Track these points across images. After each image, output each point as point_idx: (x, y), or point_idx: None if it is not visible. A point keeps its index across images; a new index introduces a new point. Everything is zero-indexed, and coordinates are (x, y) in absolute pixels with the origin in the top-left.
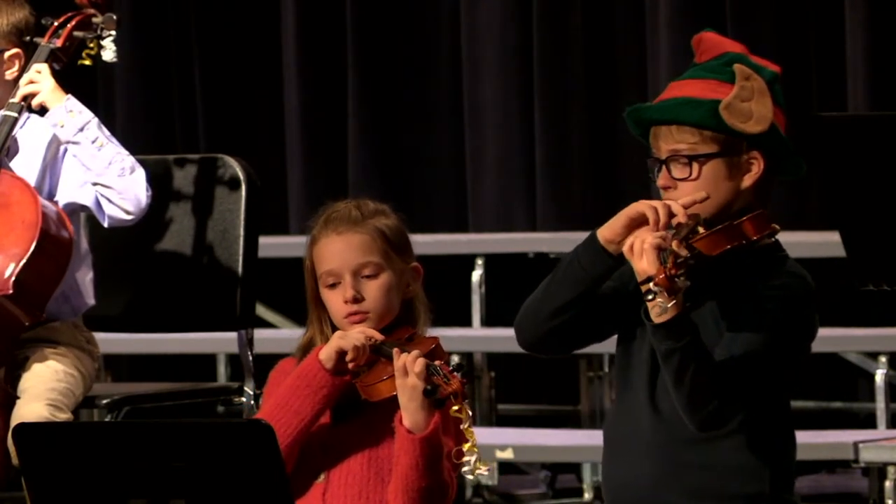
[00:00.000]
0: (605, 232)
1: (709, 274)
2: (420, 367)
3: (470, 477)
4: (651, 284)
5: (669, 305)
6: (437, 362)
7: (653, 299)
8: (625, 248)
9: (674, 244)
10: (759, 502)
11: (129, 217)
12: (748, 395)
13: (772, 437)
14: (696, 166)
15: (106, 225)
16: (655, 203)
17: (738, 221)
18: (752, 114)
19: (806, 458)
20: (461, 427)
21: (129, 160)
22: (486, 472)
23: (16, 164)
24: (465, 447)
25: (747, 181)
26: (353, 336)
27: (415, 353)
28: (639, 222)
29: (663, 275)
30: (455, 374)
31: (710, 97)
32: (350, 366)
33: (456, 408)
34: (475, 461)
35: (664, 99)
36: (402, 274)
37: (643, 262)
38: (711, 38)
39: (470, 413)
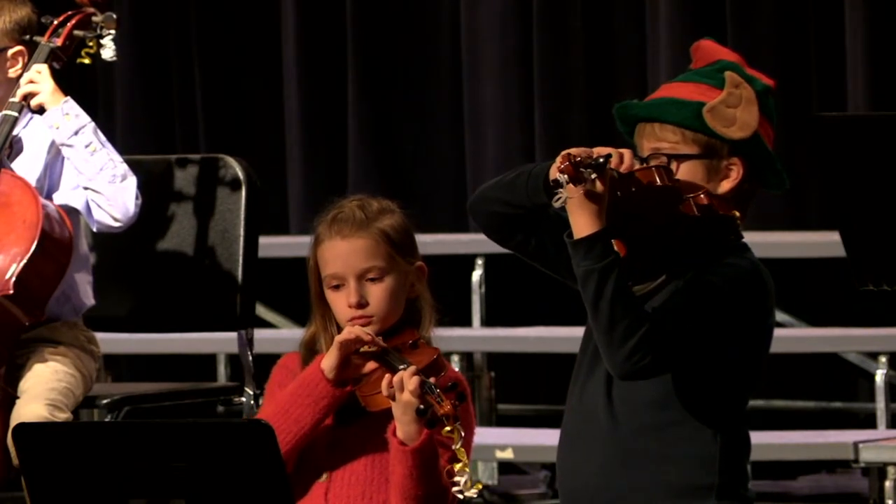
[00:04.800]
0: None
1: (668, 263)
2: (414, 385)
3: (461, 497)
4: (558, 173)
5: (573, 196)
6: (432, 379)
7: (559, 191)
8: (552, 171)
9: (594, 153)
10: (709, 493)
11: (117, 224)
12: (674, 353)
13: (721, 430)
14: (674, 165)
15: (94, 229)
16: (621, 150)
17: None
18: (736, 120)
19: (806, 458)
20: (453, 447)
21: (122, 168)
22: (475, 494)
23: (17, 164)
24: (457, 467)
25: (725, 186)
26: (351, 331)
27: (411, 369)
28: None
29: (568, 161)
30: (449, 393)
31: (696, 99)
32: (363, 349)
33: (448, 429)
34: (465, 481)
35: (652, 98)
36: (406, 275)
37: (558, 164)
38: (708, 46)
39: (462, 434)
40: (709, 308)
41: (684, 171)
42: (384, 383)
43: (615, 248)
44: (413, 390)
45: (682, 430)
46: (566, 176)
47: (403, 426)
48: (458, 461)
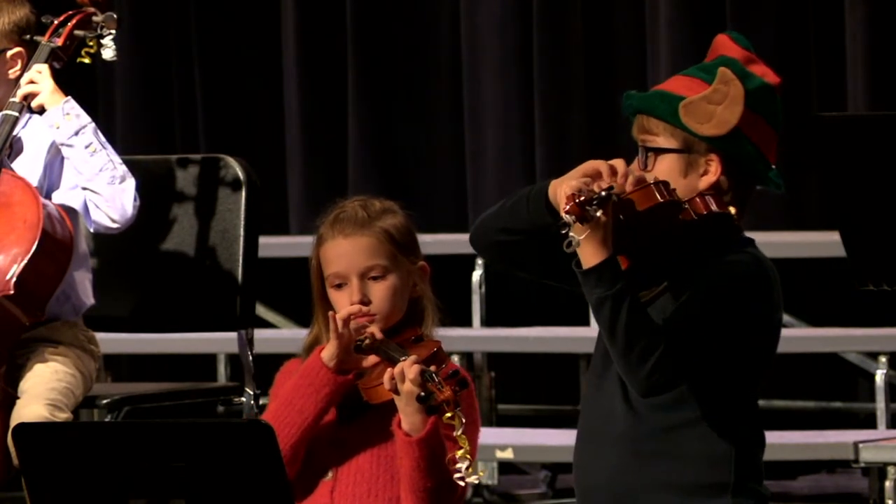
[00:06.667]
0: (559, 181)
1: (669, 269)
2: (414, 374)
3: (462, 483)
4: (563, 214)
5: (582, 237)
6: (432, 368)
7: (567, 231)
8: (551, 193)
9: (594, 186)
10: (723, 492)
11: (114, 225)
12: (692, 363)
13: (736, 428)
14: (651, 157)
15: (92, 230)
16: (612, 161)
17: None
18: (713, 117)
19: (806, 458)
20: (454, 434)
21: (121, 169)
22: (477, 480)
23: (18, 164)
24: (458, 454)
25: (703, 183)
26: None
27: (411, 358)
28: (592, 177)
29: (573, 202)
30: (450, 380)
31: (682, 94)
32: (365, 343)
33: (449, 415)
34: (467, 468)
35: (654, 89)
36: (408, 274)
37: (561, 194)
38: (718, 41)
39: (463, 420)
40: (717, 312)
41: (663, 165)
42: (386, 376)
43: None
44: (413, 378)
45: (696, 429)
46: (573, 217)
47: (408, 417)
48: (460, 448)
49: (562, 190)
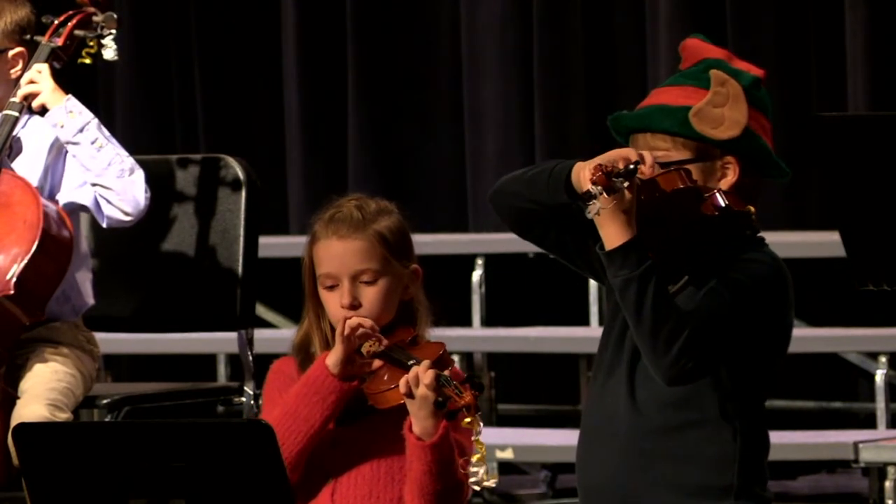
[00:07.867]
0: (584, 164)
1: (689, 264)
2: (430, 379)
3: (476, 488)
4: (590, 185)
5: (608, 207)
6: (446, 372)
7: (592, 202)
8: (574, 175)
9: (620, 163)
10: (726, 495)
11: (128, 218)
12: (716, 351)
13: (742, 431)
14: None
15: (105, 225)
16: (644, 153)
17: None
18: (724, 119)
19: (806, 458)
20: (472, 438)
21: (129, 161)
22: (493, 484)
23: (18, 164)
24: (475, 458)
25: (723, 186)
26: (350, 322)
27: (425, 363)
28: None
29: (600, 172)
30: (467, 384)
31: (683, 104)
32: (366, 348)
33: (468, 420)
34: (483, 472)
35: (642, 106)
36: (400, 278)
37: (585, 174)
38: (693, 45)
39: (481, 425)
40: (741, 308)
41: None
42: (402, 382)
43: None
44: (429, 384)
45: (701, 431)
46: (599, 187)
47: (420, 421)
48: (477, 452)
49: (588, 165)
